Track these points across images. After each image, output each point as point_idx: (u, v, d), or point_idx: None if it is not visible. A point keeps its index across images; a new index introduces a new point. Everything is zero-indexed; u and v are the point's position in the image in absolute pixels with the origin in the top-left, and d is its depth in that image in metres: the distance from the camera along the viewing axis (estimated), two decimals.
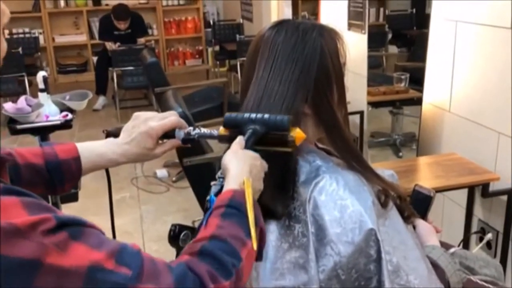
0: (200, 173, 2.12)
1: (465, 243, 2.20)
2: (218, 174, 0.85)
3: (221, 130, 0.94)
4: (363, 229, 0.88)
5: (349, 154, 0.98)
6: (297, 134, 0.88)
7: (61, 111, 2.19)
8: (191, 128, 1.01)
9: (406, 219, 1.00)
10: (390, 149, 3.29)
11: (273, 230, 0.94)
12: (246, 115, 0.90)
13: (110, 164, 1.05)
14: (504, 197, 1.96)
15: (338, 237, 0.88)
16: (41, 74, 2.16)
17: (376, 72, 3.43)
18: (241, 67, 5.50)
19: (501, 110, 1.96)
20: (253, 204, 0.77)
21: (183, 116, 2.15)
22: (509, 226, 1.97)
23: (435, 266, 1.01)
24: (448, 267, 1.06)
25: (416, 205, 1.27)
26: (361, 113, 3.08)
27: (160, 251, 2.78)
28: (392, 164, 2.17)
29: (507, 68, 1.91)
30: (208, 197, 0.81)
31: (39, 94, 2.15)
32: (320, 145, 1.06)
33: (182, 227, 1.24)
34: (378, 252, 0.88)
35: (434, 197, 1.24)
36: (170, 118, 1.01)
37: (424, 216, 1.23)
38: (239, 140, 0.87)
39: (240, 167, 0.82)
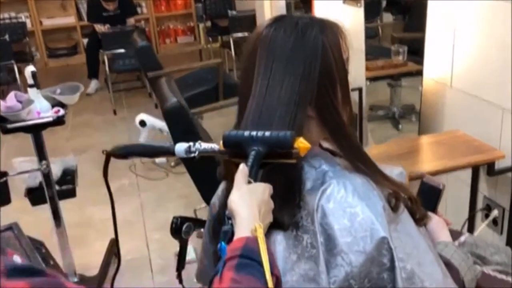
0: (199, 162, 2.07)
1: (471, 221, 2.17)
2: (227, 213, 0.80)
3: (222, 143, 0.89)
4: (375, 238, 0.84)
5: (355, 155, 0.94)
6: (301, 144, 0.83)
7: (52, 106, 2.12)
8: (191, 144, 0.96)
9: (418, 221, 0.96)
10: (389, 122, 3.25)
11: (280, 240, 0.89)
12: (246, 133, 0.84)
13: None
14: (510, 174, 1.92)
15: (349, 247, 0.85)
16: (29, 69, 2.09)
17: (373, 43, 3.35)
18: (234, 44, 5.40)
19: (505, 85, 1.90)
20: (267, 251, 0.72)
21: (178, 106, 2.10)
22: None
23: (448, 266, 0.98)
24: (462, 264, 1.03)
25: (424, 198, 1.22)
26: (359, 89, 3.02)
27: (163, 240, 2.76)
28: (394, 145, 2.13)
29: (509, 42, 1.85)
30: (218, 245, 0.76)
31: (29, 89, 2.08)
32: (324, 145, 1.01)
33: (184, 219, 1.20)
34: (392, 260, 0.84)
35: (444, 189, 1.19)
36: None
37: (433, 209, 1.20)
38: (243, 169, 0.82)
39: (249, 210, 0.77)
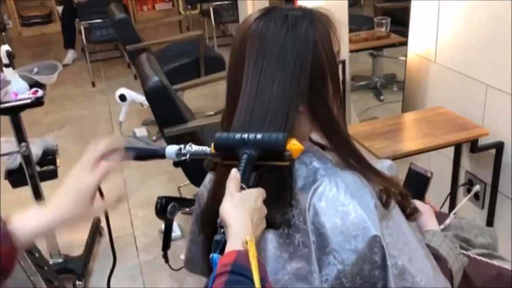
0: (183, 142, 2.04)
1: (453, 195, 2.21)
2: (218, 222, 0.78)
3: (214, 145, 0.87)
4: (367, 236, 0.84)
5: (346, 150, 0.93)
6: (294, 146, 0.81)
7: (30, 86, 2.06)
8: (182, 146, 0.94)
9: (409, 216, 0.96)
10: (371, 92, 3.25)
11: (271, 239, 0.89)
12: (238, 136, 0.82)
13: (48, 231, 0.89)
14: (493, 150, 1.94)
15: (341, 246, 0.85)
16: (4, 48, 2.01)
17: (354, 11, 3.32)
18: (214, 12, 5.29)
19: (489, 61, 1.90)
20: (258, 265, 0.71)
21: (160, 86, 2.05)
22: (497, 178, 1.97)
23: (437, 257, 0.99)
24: (450, 254, 1.04)
25: (411, 185, 1.24)
26: (343, 62, 3.00)
27: (147, 217, 2.75)
28: (380, 122, 2.12)
29: (494, 17, 1.83)
30: (210, 255, 0.74)
31: (4, 69, 2.00)
32: (314, 138, 1.00)
33: (169, 199, 1.20)
34: (383, 258, 0.85)
35: (432, 177, 1.20)
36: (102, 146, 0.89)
37: (421, 197, 1.20)
38: (234, 175, 0.80)
39: (241, 220, 0.75)
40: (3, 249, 0.79)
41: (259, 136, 0.81)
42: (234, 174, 0.80)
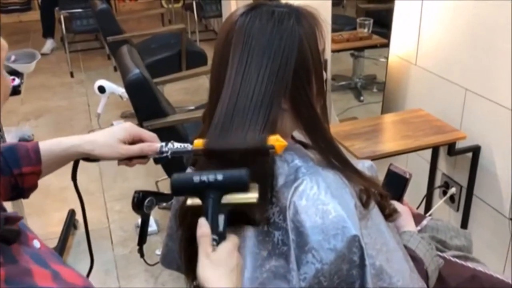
0: (162, 137, 2.03)
1: (429, 197, 2.23)
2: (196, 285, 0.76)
3: (196, 142, 0.86)
4: (346, 236, 0.84)
5: (328, 149, 0.93)
6: (277, 142, 0.81)
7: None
8: (163, 144, 0.93)
9: (387, 216, 0.97)
10: (351, 92, 3.27)
11: (250, 236, 0.89)
12: (196, 178, 0.77)
13: (69, 152, 0.96)
14: (469, 154, 1.97)
15: (320, 244, 0.85)
16: None
17: (336, 11, 3.33)
18: (197, 6, 5.25)
19: (468, 65, 1.93)
20: None
21: (141, 78, 2.03)
22: (473, 181, 2.00)
23: (413, 258, 1.00)
24: (426, 255, 1.05)
25: (390, 186, 1.24)
26: (325, 62, 3.01)
27: (124, 211, 2.72)
28: (359, 123, 2.14)
29: (475, 22, 1.86)
30: None
31: None
32: (296, 136, 1.00)
33: (146, 194, 1.18)
34: (362, 258, 0.85)
35: (410, 178, 1.21)
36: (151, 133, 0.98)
37: (399, 198, 1.21)
38: (203, 231, 0.76)
39: (222, 284, 0.73)
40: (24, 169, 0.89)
41: (219, 177, 0.77)
42: (204, 228, 0.77)
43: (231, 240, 0.79)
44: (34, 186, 0.94)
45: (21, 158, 0.91)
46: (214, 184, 0.77)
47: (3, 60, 0.63)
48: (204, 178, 0.77)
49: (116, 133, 0.95)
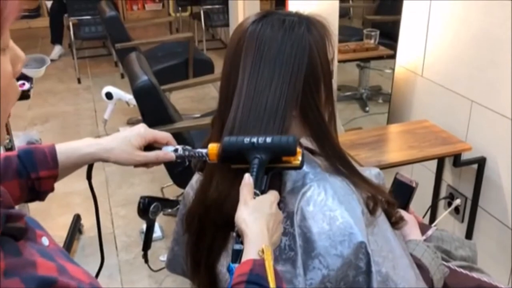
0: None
1: (434, 208, 2.23)
2: (235, 230, 0.78)
3: (211, 147, 0.87)
4: (353, 242, 0.85)
5: (336, 156, 0.94)
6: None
7: (17, 78, 2.03)
8: (179, 147, 0.94)
9: (394, 224, 0.98)
10: (357, 103, 3.28)
11: None
12: (247, 139, 0.82)
13: (85, 159, 0.97)
14: (475, 165, 1.98)
15: (327, 250, 0.85)
16: None
17: (343, 22, 3.35)
18: (204, 15, 5.29)
19: (474, 77, 1.94)
20: (274, 273, 0.71)
21: (149, 85, 2.05)
22: (478, 192, 2.00)
23: (419, 266, 1.01)
24: (432, 264, 1.06)
25: (396, 194, 1.25)
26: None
27: (128, 216, 2.73)
28: (365, 132, 2.14)
29: (481, 35, 1.87)
30: (227, 266, 0.75)
31: None
32: (303, 142, 1.01)
33: (151, 199, 1.19)
34: (368, 265, 0.86)
35: (417, 187, 1.22)
36: (165, 133, 0.99)
37: (405, 207, 1.22)
38: (248, 181, 0.80)
39: (257, 228, 0.75)
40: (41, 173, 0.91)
41: (268, 139, 0.81)
42: (248, 180, 0.80)
43: (272, 193, 0.82)
44: (50, 190, 0.95)
45: (38, 162, 0.91)
46: (263, 145, 0.81)
47: (19, 72, 0.63)
48: (254, 140, 0.81)
49: (132, 140, 0.96)
